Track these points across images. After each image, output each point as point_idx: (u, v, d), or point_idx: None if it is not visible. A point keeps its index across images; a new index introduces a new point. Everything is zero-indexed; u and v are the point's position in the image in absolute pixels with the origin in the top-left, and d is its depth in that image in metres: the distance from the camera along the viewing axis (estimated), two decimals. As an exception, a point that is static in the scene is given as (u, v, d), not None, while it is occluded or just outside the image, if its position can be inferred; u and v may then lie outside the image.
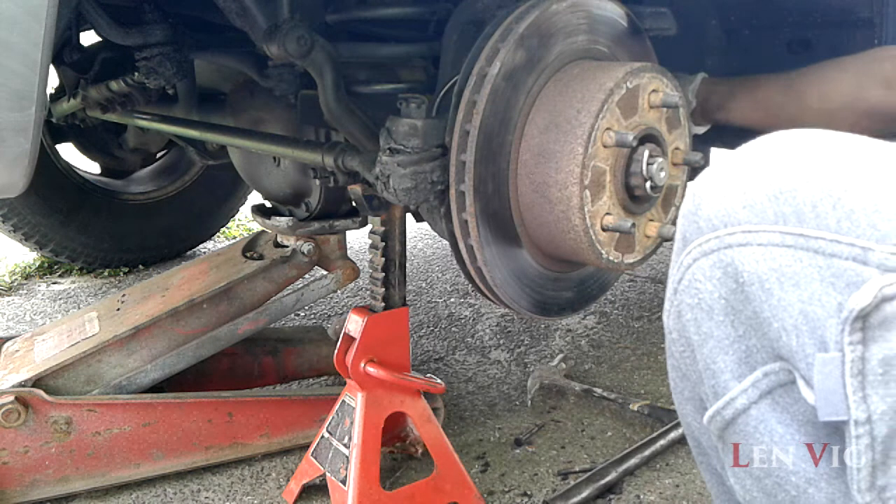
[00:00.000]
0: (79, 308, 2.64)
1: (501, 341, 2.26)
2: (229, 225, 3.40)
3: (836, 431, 0.53)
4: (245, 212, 3.25)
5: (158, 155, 3.08)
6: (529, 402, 1.89)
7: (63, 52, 2.00)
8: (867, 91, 1.33)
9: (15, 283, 2.90)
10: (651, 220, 1.29)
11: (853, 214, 0.52)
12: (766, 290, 0.54)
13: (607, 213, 1.20)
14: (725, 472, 0.63)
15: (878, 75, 1.33)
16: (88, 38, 2.07)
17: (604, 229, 1.20)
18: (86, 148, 2.83)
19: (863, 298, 0.49)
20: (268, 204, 1.89)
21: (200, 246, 3.23)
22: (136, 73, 1.67)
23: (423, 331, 2.36)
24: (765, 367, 0.56)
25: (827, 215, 0.53)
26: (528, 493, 1.54)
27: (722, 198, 0.59)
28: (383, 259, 1.48)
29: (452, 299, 2.60)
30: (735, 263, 0.56)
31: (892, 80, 1.31)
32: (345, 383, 1.48)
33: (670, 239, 1.28)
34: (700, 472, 0.74)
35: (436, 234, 2.10)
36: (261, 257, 1.79)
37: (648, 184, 1.21)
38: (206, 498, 1.56)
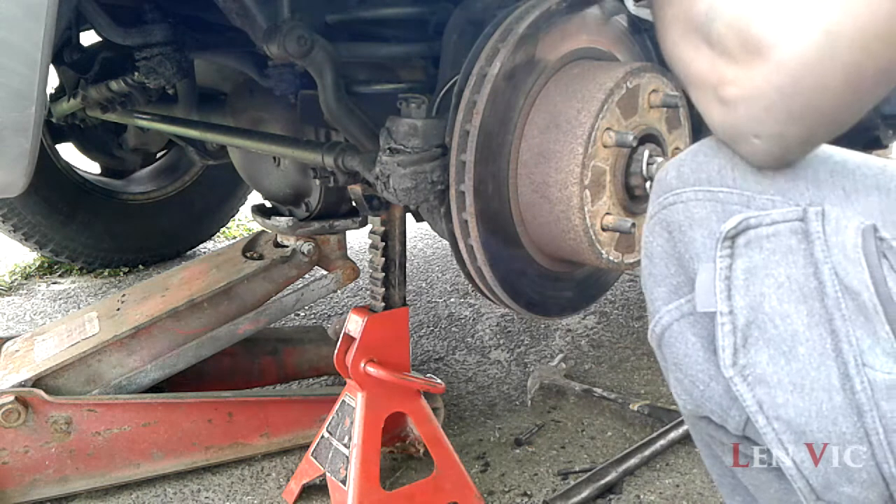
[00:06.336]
0: (79, 308, 2.64)
1: (501, 341, 2.26)
2: (229, 225, 3.39)
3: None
4: (245, 212, 3.24)
5: (158, 155, 3.07)
6: (529, 402, 1.89)
7: (63, 51, 2.00)
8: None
9: (15, 283, 2.90)
10: (651, 220, 1.28)
11: (745, 174, 0.71)
12: (682, 231, 0.73)
13: (607, 213, 1.20)
14: (668, 376, 0.81)
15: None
16: (88, 38, 2.07)
17: (604, 229, 1.20)
18: (86, 148, 2.83)
19: (731, 224, 0.67)
20: (268, 204, 1.89)
21: (200, 246, 3.23)
22: (136, 73, 1.67)
23: (423, 331, 2.36)
24: (687, 296, 0.73)
25: (727, 176, 0.72)
26: (528, 493, 1.54)
27: (665, 175, 0.77)
28: (383, 259, 1.48)
29: (452, 299, 2.60)
30: (667, 219, 0.74)
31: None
32: (345, 383, 1.48)
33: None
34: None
35: (436, 234, 2.10)
36: (261, 257, 1.79)
37: (648, 184, 1.21)
38: (206, 498, 1.56)
